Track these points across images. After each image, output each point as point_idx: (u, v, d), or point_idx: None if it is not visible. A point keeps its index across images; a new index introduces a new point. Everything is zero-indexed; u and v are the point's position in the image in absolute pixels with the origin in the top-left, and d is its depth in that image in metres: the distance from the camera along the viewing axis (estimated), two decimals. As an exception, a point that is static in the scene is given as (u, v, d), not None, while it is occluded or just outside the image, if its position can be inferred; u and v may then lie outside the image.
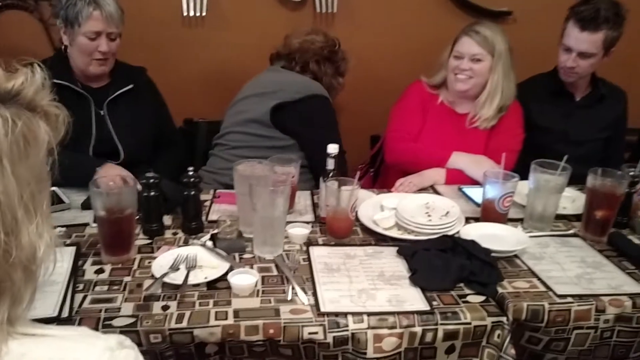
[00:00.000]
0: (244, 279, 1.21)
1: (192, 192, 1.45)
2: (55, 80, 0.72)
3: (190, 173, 1.45)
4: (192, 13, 2.38)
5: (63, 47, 1.89)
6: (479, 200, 1.73)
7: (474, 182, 1.94)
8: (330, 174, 1.53)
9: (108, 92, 1.93)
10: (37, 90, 0.69)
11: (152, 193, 1.42)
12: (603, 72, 2.22)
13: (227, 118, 2.14)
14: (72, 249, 1.32)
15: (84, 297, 1.16)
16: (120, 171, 1.71)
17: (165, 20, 2.42)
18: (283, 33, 2.46)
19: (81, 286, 1.20)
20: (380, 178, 2.26)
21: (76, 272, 1.24)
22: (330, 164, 1.54)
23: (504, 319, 1.17)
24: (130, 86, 1.96)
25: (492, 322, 1.16)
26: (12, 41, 2.23)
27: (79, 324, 1.07)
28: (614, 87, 2.23)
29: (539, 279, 1.31)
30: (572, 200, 1.76)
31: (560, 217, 1.65)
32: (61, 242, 1.35)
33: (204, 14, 2.40)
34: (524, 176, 1.61)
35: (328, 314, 1.13)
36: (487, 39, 1.95)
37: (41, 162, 0.69)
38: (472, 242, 1.36)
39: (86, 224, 1.48)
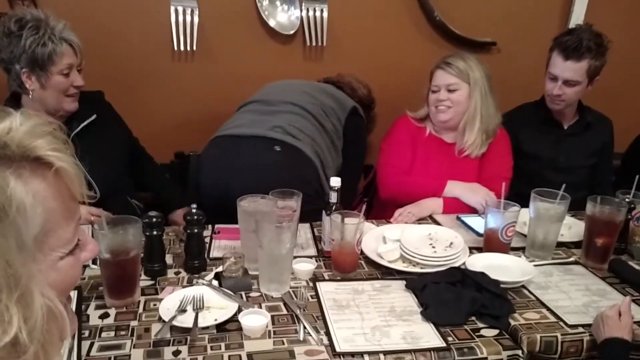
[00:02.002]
0: (255, 319, 1.18)
1: (196, 230, 1.43)
2: None
3: (194, 210, 1.43)
4: (182, 47, 2.38)
5: (28, 91, 1.71)
6: (478, 229, 1.74)
7: (471, 210, 1.95)
8: (333, 207, 1.52)
9: (71, 127, 1.81)
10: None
11: (155, 232, 1.39)
12: (588, 101, 2.29)
13: (304, 89, 2.12)
14: (74, 293, 1.28)
15: (91, 345, 1.11)
16: (87, 211, 1.57)
17: (156, 55, 2.42)
18: (273, 66, 2.49)
19: (87, 332, 1.15)
20: (375, 209, 2.25)
21: (80, 317, 1.20)
22: (333, 197, 1.53)
23: (519, 352, 1.17)
24: (94, 117, 1.86)
25: (508, 356, 1.16)
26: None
27: (88, 374, 1.03)
28: (599, 115, 2.29)
29: (549, 309, 1.32)
30: (568, 227, 1.78)
31: (558, 245, 1.66)
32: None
33: (194, 48, 2.40)
34: (516, 203, 1.61)
35: (344, 354, 1.11)
36: (460, 69, 2.01)
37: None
38: (482, 274, 1.36)
39: (85, 266, 1.43)
